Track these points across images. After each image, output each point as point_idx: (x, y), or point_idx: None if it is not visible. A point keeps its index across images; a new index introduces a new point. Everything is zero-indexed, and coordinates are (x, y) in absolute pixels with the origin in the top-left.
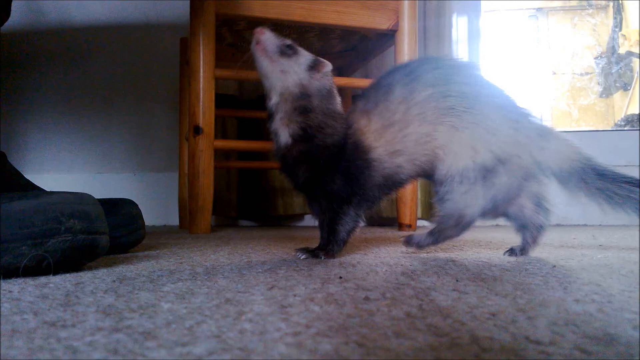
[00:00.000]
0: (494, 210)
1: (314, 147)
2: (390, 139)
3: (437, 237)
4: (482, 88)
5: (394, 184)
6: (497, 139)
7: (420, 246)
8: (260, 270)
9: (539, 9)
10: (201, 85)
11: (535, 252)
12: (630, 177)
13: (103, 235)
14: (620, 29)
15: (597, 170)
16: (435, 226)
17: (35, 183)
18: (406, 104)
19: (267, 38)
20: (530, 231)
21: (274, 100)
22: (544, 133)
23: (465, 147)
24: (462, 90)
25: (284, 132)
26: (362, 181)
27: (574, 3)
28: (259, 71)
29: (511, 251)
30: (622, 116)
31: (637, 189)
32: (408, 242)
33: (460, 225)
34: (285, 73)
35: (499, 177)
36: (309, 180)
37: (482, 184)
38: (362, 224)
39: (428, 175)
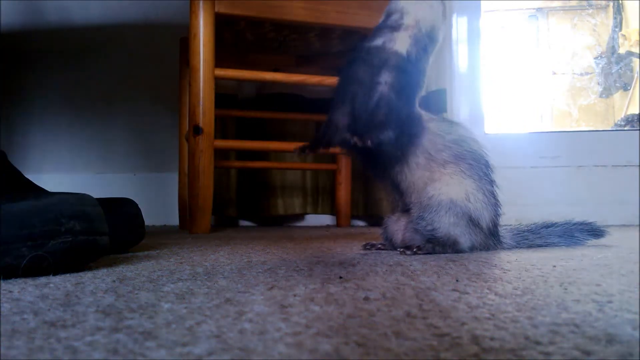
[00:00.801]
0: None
1: (411, 74)
2: (433, 141)
3: (434, 250)
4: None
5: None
6: (488, 212)
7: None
8: (260, 270)
9: (539, 9)
10: (201, 85)
11: (535, 252)
12: (544, 223)
13: (103, 236)
14: (620, 29)
15: (526, 229)
16: (434, 242)
17: (35, 183)
18: (455, 136)
19: None
20: None
21: (406, 21)
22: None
23: (462, 189)
24: (488, 166)
25: (403, 44)
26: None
27: (574, 3)
28: None
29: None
30: (622, 116)
31: (552, 228)
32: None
33: (455, 248)
34: (431, 7)
35: (477, 233)
36: (373, 93)
37: (467, 225)
38: None
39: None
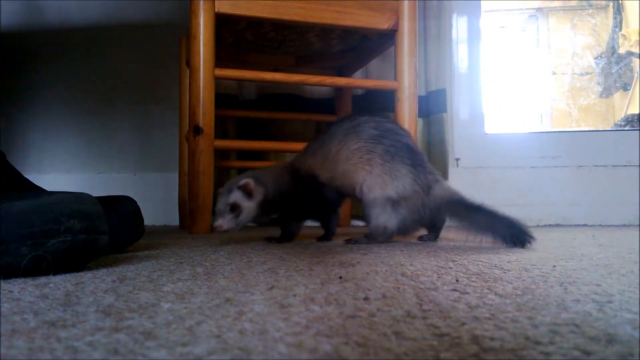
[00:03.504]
0: (406, 229)
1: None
2: (327, 168)
3: (371, 241)
4: (400, 150)
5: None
6: (400, 184)
7: (358, 245)
8: (260, 270)
9: (539, 9)
10: (201, 85)
11: (535, 252)
12: (469, 205)
13: (103, 235)
14: (620, 29)
15: (448, 202)
16: (370, 233)
17: (35, 183)
18: (339, 147)
19: (226, 223)
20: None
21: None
22: (432, 182)
23: (375, 184)
24: (385, 149)
25: None
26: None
27: (574, 3)
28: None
29: (421, 238)
30: (622, 116)
31: (469, 215)
32: (348, 241)
33: (386, 234)
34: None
35: (402, 208)
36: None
37: (392, 209)
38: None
39: (352, 197)
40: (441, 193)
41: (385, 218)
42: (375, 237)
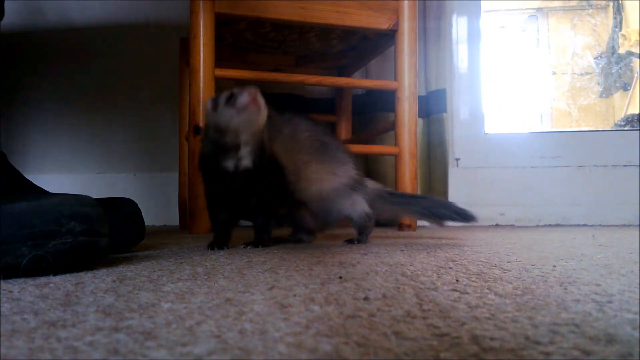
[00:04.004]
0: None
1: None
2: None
3: (366, 235)
4: (330, 143)
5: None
6: (349, 169)
7: (359, 244)
8: (260, 270)
9: (539, 9)
10: (201, 85)
11: (535, 252)
12: (408, 194)
13: (104, 237)
14: (620, 29)
15: (390, 193)
16: (359, 228)
17: (35, 183)
18: (294, 139)
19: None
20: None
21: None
22: (361, 176)
23: (329, 173)
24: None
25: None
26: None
27: (574, 3)
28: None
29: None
30: (622, 116)
31: (414, 199)
32: (349, 241)
33: (371, 219)
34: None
35: (361, 191)
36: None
37: (355, 194)
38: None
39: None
40: (373, 186)
41: (361, 206)
42: (366, 227)
